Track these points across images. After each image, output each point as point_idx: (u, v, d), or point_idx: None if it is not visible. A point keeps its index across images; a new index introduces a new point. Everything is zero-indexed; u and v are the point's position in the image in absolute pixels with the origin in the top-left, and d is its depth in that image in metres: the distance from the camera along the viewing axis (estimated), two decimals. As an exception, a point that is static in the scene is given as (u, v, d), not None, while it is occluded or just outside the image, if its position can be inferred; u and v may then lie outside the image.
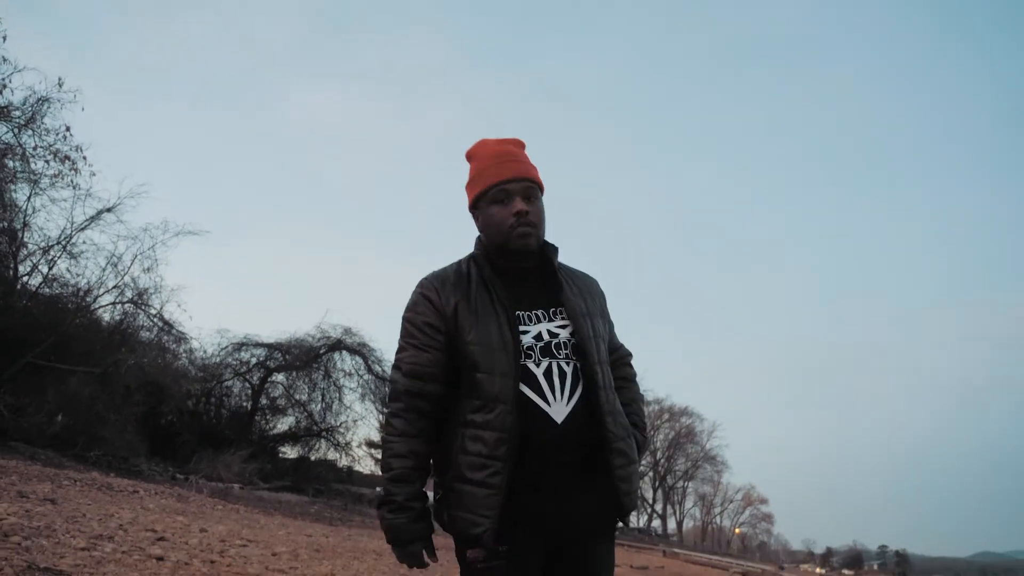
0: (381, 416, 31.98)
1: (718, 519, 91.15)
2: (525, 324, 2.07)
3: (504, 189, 2.10)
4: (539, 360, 2.03)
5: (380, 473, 2.05)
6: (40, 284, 17.14)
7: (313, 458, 25.92)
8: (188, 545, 6.91)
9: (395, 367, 2.10)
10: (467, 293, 2.07)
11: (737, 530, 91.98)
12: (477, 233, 2.21)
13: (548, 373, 2.03)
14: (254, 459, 19.84)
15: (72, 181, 15.68)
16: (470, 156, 2.23)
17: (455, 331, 2.03)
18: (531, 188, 2.12)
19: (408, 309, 2.11)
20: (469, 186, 2.19)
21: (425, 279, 2.13)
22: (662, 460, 69.83)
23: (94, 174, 15.99)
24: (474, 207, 2.18)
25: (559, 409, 2.00)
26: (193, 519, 9.54)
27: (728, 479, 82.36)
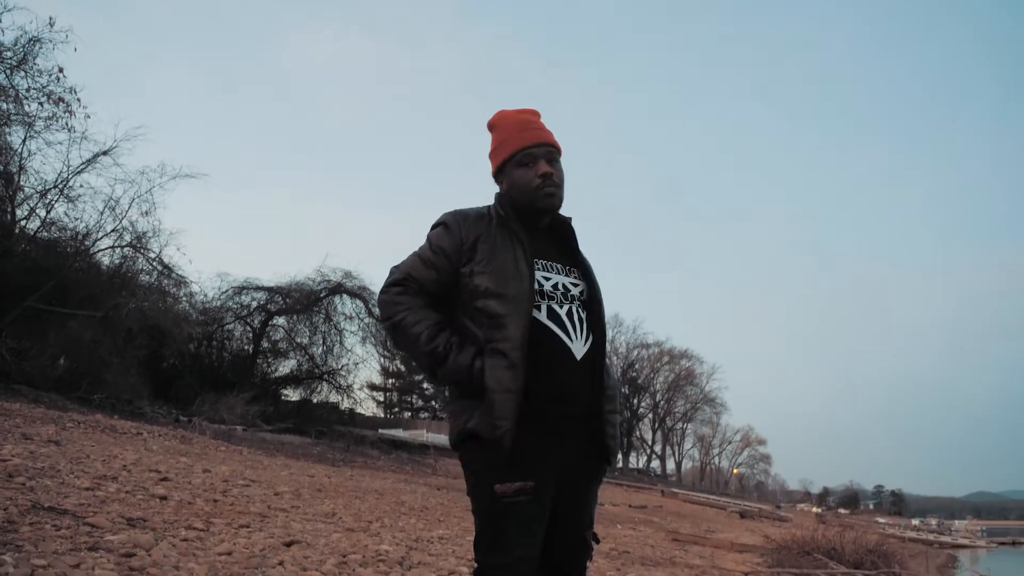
0: (383, 359, 32.26)
1: (716, 460, 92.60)
2: (546, 272, 2.26)
3: (529, 153, 2.26)
4: (562, 302, 2.23)
5: (401, 357, 2.14)
6: (38, 228, 17.11)
7: (315, 400, 26.24)
8: (191, 485, 7.05)
9: (394, 268, 2.24)
10: (488, 230, 2.22)
11: (735, 470, 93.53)
12: (483, 189, 2.36)
13: (570, 315, 2.23)
14: (256, 402, 20.07)
15: (67, 124, 15.50)
16: (492, 126, 2.39)
17: (470, 261, 2.17)
18: (552, 152, 2.30)
19: (430, 231, 2.27)
20: (494, 154, 2.35)
21: (449, 212, 2.29)
22: (662, 402, 70.57)
23: (88, 116, 15.82)
24: (499, 172, 2.34)
25: (579, 348, 2.20)
26: (196, 460, 9.71)
27: (727, 421, 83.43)
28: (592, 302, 2.32)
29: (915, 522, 71.34)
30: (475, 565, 2.14)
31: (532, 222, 2.30)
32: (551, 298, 2.22)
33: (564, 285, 2.28)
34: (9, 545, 3.62)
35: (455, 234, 2.21)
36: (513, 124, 2.34)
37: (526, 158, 2.26)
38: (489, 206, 2.34)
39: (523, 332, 2.11)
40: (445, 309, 2.23)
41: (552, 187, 2.26)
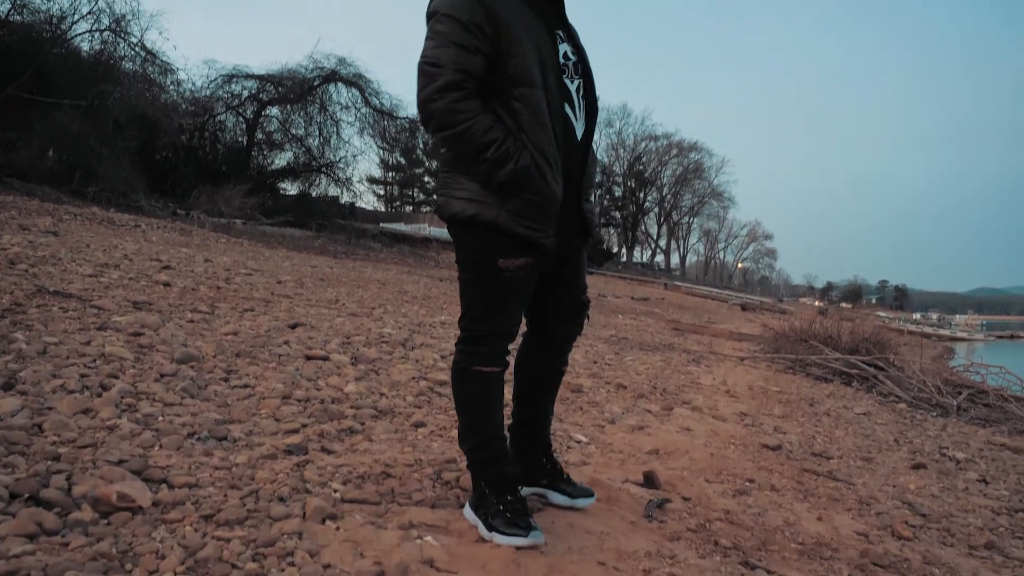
0: (382, 151, 32.00)
1: (721, 254, 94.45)
2: (559, 42, 2.23)
3: None
4: (572, 77, 2.24)
5: (459, 163, 2.16)
6: (9, 11, 16.41)
7: (314, 194, 26.38)
8: (194, 273, 7.28)
9: (432, 64, 2.08)
10: (507, 1, 2.12)
11: (740, 265, 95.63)
12: None
13: (578, 91, 2.25)
14: (254, 194, 20.19)
15: None
16: None
17: (506, 38, 2.08)
18: None
19: (450, 6, 2.08)
20: None
21: None
22: (668, 196, 70.75)
23: None
24: None
25: (579, 127, 2.27)
26: (197, 251, 9.94)
27: (734, 215, 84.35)
28: (587, 76, 2.31)
29: (916, 316, 73.69)
30: (463, 335, 2.28)
31: None
32: (563, 71, 2.20)
33: (569, 54, 2.25)
34: (19, 325, 3.81)
35: (485, 4, 2.06)
36: None
37: None
38: None
39: (561, 128, 2.15)
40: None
41: None
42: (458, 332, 2.30)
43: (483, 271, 2.20)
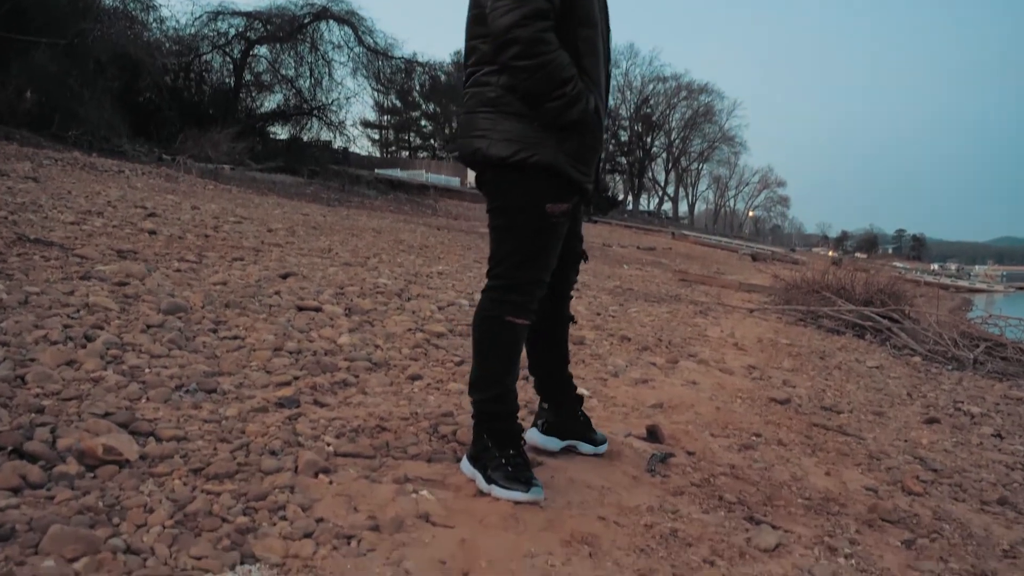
0: (376, 93, 31.67)
1: (732, 202, 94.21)
2: None
3: None
4: (606, 26, 2.39)
5: (532, 90, 2.13)
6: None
7: (306, 138, 26.17)
8: (180, 221, 7.26)
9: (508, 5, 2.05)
10: None
11: (751, 213, 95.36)
12: None
13: (604, 39, 2.35)
14: (242, 139, 20.04)
15: None
16: None
17: None
18: None
19: None
20: None
21: None
22: (677, 141, 70.29)
23: None
24: None
25: (603, 77, 2.35)
26: (184, 197, 9.90)
27: (745, 161, 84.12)
28: (607, 19, 2.39)
29: (934, 267, 73.78)
30: (495, 283, 2.30)
31: None
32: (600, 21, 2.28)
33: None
34: (-1, 274, 3.82)
35: None
36: None
37: None
38: None
39: (605, 72, 2.29)
40: None
41: None
42: (486, 281, 2.34)
43: (528, 216, 2.22)
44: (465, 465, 2.33)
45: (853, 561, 2.19)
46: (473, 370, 2.35)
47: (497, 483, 2.19)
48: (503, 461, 2.22)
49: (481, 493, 2.21)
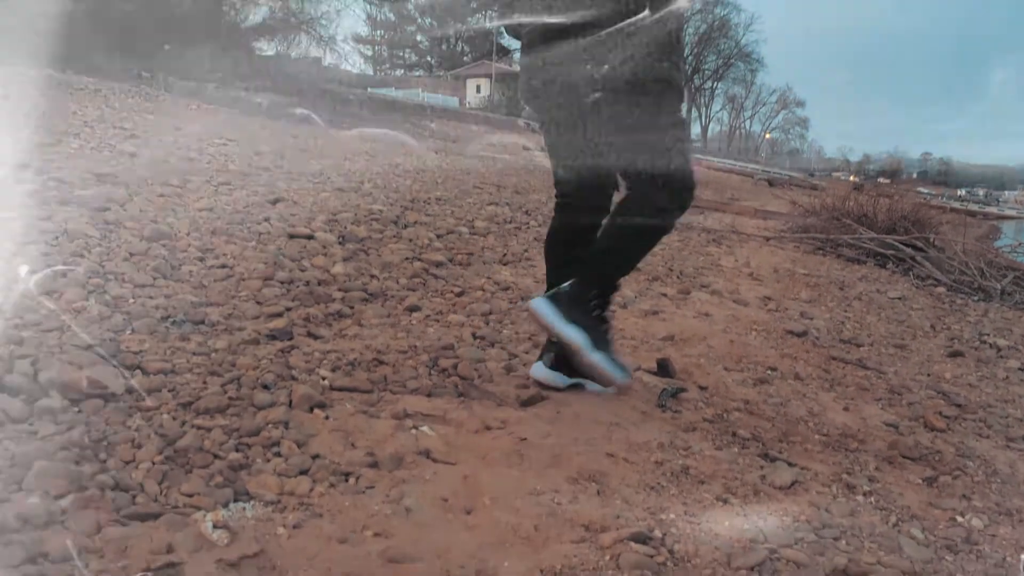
0: (369, 5, 31.02)
1: (748, 124, 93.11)
2: None
3: None
4: None
5: None
6: None
7: (294, 55, 25.81)
8: (162, 143, 7.18)
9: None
10: None
11: (768, 135, 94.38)
12: None
13: None
14: (226, 55, 19.73)
15: None
16: None
17: None
18: None
19: None
20: None
21: None
22: (689, 57, 69.07)
23: None
24: None
25: None
26: (165, 118, 9.80)
27: (762, 79, 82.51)
28: None
29: (961, 192, 73.29)
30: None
31: None
32: None
33: None
34: (-29, 198, 3.78)
35: None
36: None
37: None
38: None
39: None
40: None
41: None
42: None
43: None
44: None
45: (872, 499, 2.21)
46: (608, 267, 2.56)
47: (608, 355, 2.45)
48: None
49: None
